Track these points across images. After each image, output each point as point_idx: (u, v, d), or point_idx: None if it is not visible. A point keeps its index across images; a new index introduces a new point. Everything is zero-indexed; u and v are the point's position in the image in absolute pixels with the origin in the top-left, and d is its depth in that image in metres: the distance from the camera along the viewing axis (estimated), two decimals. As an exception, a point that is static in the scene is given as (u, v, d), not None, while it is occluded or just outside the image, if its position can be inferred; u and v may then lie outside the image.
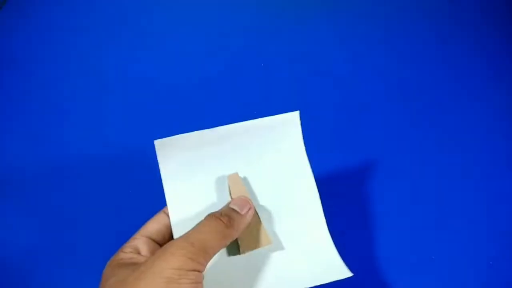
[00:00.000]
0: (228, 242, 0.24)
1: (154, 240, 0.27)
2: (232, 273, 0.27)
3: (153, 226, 0.27)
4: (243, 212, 0.26)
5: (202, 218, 0.25)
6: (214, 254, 0.23)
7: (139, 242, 0.26)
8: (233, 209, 0.26)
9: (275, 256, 0.28)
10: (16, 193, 0.47)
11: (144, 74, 0.57)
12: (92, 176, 0.47)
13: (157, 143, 0.27)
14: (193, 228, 0.24)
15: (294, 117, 0.29)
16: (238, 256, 0.27)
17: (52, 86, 0.56)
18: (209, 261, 0.23)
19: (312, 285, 0.26)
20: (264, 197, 0.29)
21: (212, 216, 0.25)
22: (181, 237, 0.23)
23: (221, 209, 0.26)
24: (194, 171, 0.29)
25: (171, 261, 0.21)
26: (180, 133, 0.27)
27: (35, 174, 0.48)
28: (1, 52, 0.59)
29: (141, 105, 0.54)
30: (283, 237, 0.28)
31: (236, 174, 0.29)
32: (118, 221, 0.43)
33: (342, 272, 0.27)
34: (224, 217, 0.24)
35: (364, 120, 0.52)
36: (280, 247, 0.28)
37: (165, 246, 0.22)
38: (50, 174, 0.48)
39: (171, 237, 0.28)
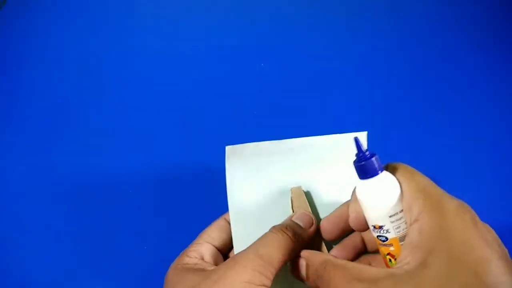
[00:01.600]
0: (292, 257, 0.24)
1: (215, 247, 0.27)
2: None
3: (214, 233, 0.28)
4: (307, 227, 0.26)
5: (262, 228, 0.25)
6: (279, 268, 0.23)
7: (203, 248, 0.26)
8: (297, 224, 0.25)
9: None
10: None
11: (142, 73, 0.57)
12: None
13: (228, 149, 0.27)
14: (259, 240, 0.23)
15: (361, 137, 0.28)
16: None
17: (52, 86, 0.56)
18: (274, 275, 0.22)
19: None
20: (325, 215, 0.29)
21: (277, 229, 0.24)
22: (250, 248, 0.23)
23: (285, 222, 0.26)
24: (259, 181, 0.28)
25: (242, 274, 0.21)
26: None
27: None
28: (1, 52, 0.59)
29: (142, 106, 0.54)
30: None
31: (300, 187, 0.29)
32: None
33: None
34: (289, 231, 0.24)
35: (376, 119, 0.52)
36: None
37: (235, 257, 0.23)
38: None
39: (232, 244, 0.28)
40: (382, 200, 0.21)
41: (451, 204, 0.19)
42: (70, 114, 0.53)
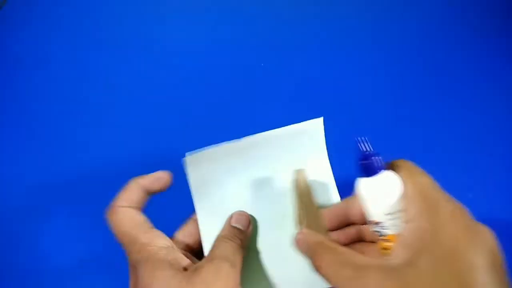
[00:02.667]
0: (242, 256, 0.26)
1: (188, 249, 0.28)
2: (248, 273, 0.27)
3: (185, 239, 0.28)
4: (245, 229, 0.27)
5: None
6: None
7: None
8: (237, 228, 0.27)
9: (291, 259, 0.28)
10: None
11: (142, 73, 0.57)
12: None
13: (188, 158, 0.27)
14: (218, 249, 0.25)
15: (317, 124, 0.28)
16: (254, 259, 0.28)
17: (51, 85, 0.56)
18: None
19: None
20: (291, 205, 0.29)
21: (226, 238, 0.26)
22: (206, 260, 0.24)
23: (227, 229, 0.27)
24: (223, 183, 0.29)
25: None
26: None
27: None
28: (1, 52, 0.59)
29: (142, 105, 0.54)
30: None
31: (303, 170, 0.29)
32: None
33: None
34: (234, 238, 0.26)
35: (374, 121, 0.52)
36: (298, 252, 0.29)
37: (194, 273, 0.23)
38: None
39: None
40: (382, 198, 0.21)
41: (447, 208, 0.19)
42: (68, 111, 0.54)
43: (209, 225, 0.28)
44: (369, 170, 0.22)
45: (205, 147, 0.27)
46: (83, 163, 0.49)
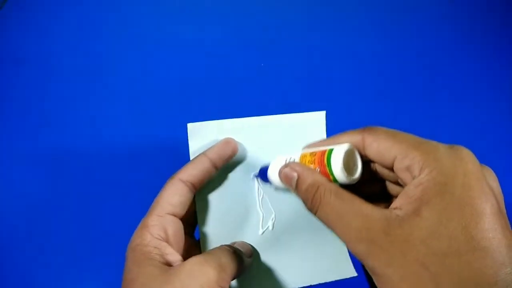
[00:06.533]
0: (237, 276, 0.24)
1: (178, 217, 0.25)
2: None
3: (174, 199, 0.24)
4: (247, 256, 0.26)
5: (228, 206, 0.27)
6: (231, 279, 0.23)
7: (165, 222, 0.24)
8: (240, 250, 0.26)
9: (285, 250, 0.28)
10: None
11: (145, 71, 0.58)
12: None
13: (190, 126, 0.28)
14: (210, 253, 0.23)
15: (320, 116, 0.29)
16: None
17: (51, 85, 0.57)
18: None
19: (317, 283, 0.27)
20: (285, 193, 0.30)
21: (231, 249, 0.24)
22: (206, 261, 0.22)
23: (230, 245, 0.26)
24: None
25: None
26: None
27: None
28: (1, 52, 0.59)
29: (142, 100, 0.55)
30: (297, 234, 0.29)
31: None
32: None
33: (348, 271, 0.27)
34: (237, 253, 0.24)
35: (374, 116, 0.52)
36: (291, 243, 0.28)
37: (188, 268, 0.21)
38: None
39: (193, 212, 0.28)
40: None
41: (451, 157, 0.19)
42: (68, 110, 0.54)
43: (204, 199, 0.28)
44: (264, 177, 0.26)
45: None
46: (83, 163, 0.50)
